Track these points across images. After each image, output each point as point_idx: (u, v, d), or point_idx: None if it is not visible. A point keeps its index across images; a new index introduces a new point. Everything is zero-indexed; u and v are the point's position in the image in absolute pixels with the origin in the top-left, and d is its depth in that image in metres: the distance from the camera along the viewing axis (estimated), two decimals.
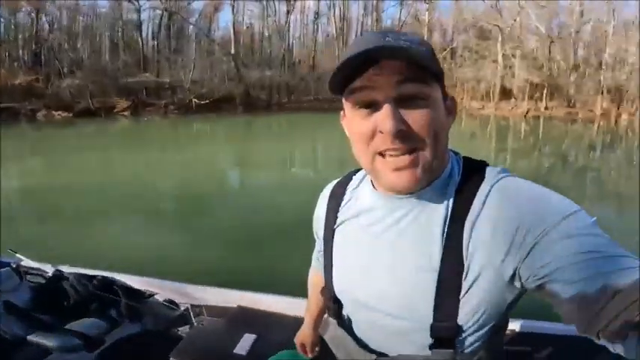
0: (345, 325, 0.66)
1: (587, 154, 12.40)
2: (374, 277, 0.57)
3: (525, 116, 23.70)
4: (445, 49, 25.46)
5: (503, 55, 24.50)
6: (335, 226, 0.64)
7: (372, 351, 0.60)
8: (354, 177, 0.67)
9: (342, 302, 0.65)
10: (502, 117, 22.94)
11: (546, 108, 25.31)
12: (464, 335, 0.53)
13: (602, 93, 25.59)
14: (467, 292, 0.51)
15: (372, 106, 0.49)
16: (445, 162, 0.55)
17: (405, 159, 0.49)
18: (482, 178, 0.53)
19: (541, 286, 0.46)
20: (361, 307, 0.60)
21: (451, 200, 0.53)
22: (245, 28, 29.45)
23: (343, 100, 0.53)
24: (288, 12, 27.41)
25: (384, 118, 0.48)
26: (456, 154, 0.59)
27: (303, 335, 0.89)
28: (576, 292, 0.41)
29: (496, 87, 24.51)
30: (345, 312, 0.66)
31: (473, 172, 0.54)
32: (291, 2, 27.65)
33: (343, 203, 0.64)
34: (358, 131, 0.51)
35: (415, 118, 0.48)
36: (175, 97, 24.00)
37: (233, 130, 17.71)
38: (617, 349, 0.38)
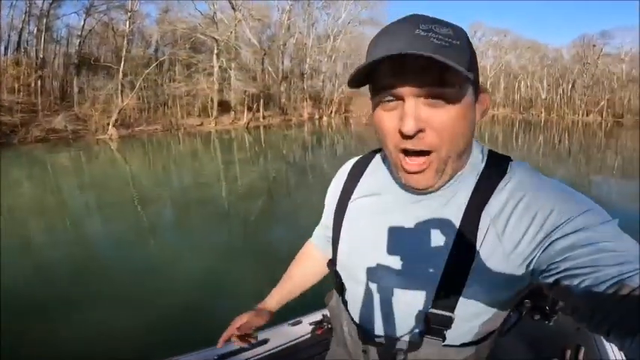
0: (344, 299, 0.66)
1: (303, 154, 14.49)
2: (379, 256, 0.57)
3: (247, 127, 24.52)
4: (149, 62, 22.63)
5: (220, 67, 24.17)
6: (350, 200, 0.64)
7: (364, 329, 0.61)
8: (377, 155, 0.66)
9: (343, 276, 0.65)
10: (224, 131, 22.77)
11: (264, 117, 27.15)
12: (456, 328, 0.53)
13: (306, 99, 29.78)
14: (472, 279, 0.51)
15: (398, 102, 0.49)
16: (467, 157, 0.54)
17: (420, 163, 0.50)
18: (504, 171, 0.54)
19: (556, 281, 0.44)
20: (361, 283, 0.60)
21: (470, 191, 0.53)
22: None
23: (370, 90, 0.52)
24: None
25: (404, 117, 0.48)
26: (482, 146, 0.59)
27: (248, 314, 0.80)
28: (589, 289, 0.41)
29: (214, 101, 23.96)
30: (345, 286, 0.65)
31: (495, 165, 0.55)
32: None
33: (362, 179, 0.65)
34: (383, 125, 0.51)
35: (437, 119, 0.48)
36: None
37: None
38: (627, 347, 0.37)
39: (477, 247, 0.50)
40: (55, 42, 20.36)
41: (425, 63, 0.44)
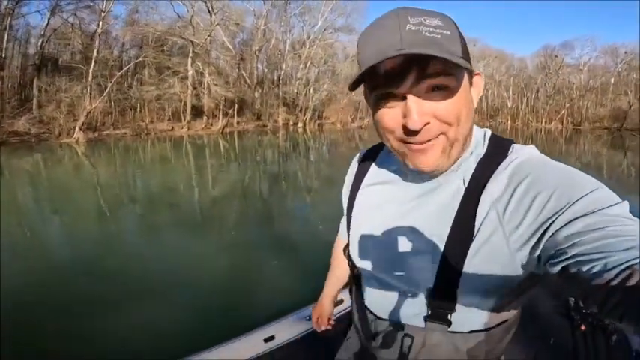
0: (357, 285, 0.68)
1: (278, 159, 14.55)
2: (384, 242, 0.58)
3: (222, 132, 24.21)
4: (117, 64, 21.97)
5: (196, 71, 23.78)
6: (359, 190, 0.66)
7: (373, 314, 0.63)
8: (385, 147, 0.67)
9: (356, 262, 0.66)
10: (197, 136, 22.38)
11: (238, 123, 26.90)
12: (461, 313, 0.53)
13: (281, 105, 29.76)
14: (471, 262, 0.51)
15: (397, 98, 0.50)
16: (469, 141, 0.55)
17: (428, 145, 0.50)
18: (505, 153, 0.54)
19: (564, 267, 0.43)
20: (370, 268, 0.62)
21: (471, 174, 0.54)
22: None
23: (366, 88, 0.53)
24: None
25: (409, 114, 0.48)
26: (485, 130, 0.59)
27: (320, 308, 0.92)
28: (599, 275, 0.39)
29: (187, 106, 23.50)
30: (358, 273, 0.67)
31: (497, 148, 0.55)
32: None
33: (371, 169, 0.66)
34: (382, 121, 0.52)
35: (439, 108, 0.49)
36: None
37: None
38: (636, 332, 0.37)
39: (477, 229, 0.50)
40: (15, 41, 19.42)
41: (422, 58, 0.46)
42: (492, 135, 0.58)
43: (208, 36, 24.54)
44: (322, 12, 32.51)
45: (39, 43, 19.26)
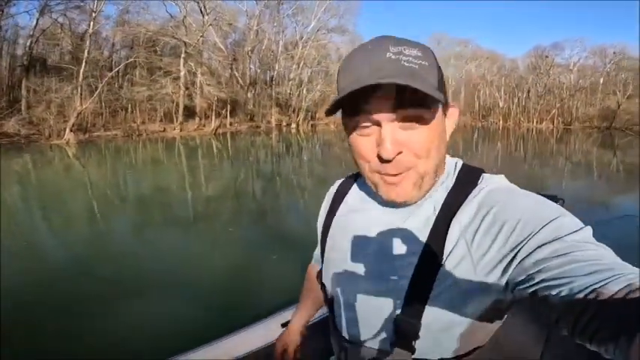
0: (331, 310, 0.69)
1: (271, 160, 14.54)
2: (354, 268, 0.60)
3: (215, 133, 24.07)
4: (107, 64, 21.72)
5: (188, 72, 23.62)
6: (334, 220, 0.67)
7: (343, 338, 0.64)
8: (360, 177, 0.68)
9: (327, 288, 0.68)
10: (189, 137, 22.22)
11: (231, 124, 26.78)
12: (428, 340, 0.53)
13: (274, 106, 29.70)
14: (439, 288, 0.51)
15: (372, 127, 0.51)
16: (441, 171, 0.56)
17: (400, 177, 0.52)
18: (474, 182, 0.55)
19: (533, 292, 0.44)
20: (340, 293, 0.63)
21: (441, 203, 0.55)
22: None
23: (343, 114, 0.54)
24: None
25: (383, 142, 0.50)
26: (456, 160, 0.61)
27: (288, 336, 0.88)
28: (566, 299, 0.40)
29: (180, 106, 23.32)
30: (331, 298, 0.68)
31: (466, 177, 0.56)
32: None
33: (346, 199, 0.68)
34: (357, 148, 0.54)
35: (411, 139, 0.50)
36: None
37: None
38: (610, 354, 0.37)
39: (445, 256, 0.51)
40: (3, 42, 19.14)
41: (399, 88, 0.47)
42: (463, 164, 0.60)
43: (201, 36, 24.40)
44: (315, 13, 32.54)
45: (27, 44, 19.01)
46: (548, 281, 0.42)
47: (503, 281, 0.48)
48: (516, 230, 0.47)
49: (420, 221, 0.56)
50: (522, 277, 0.45)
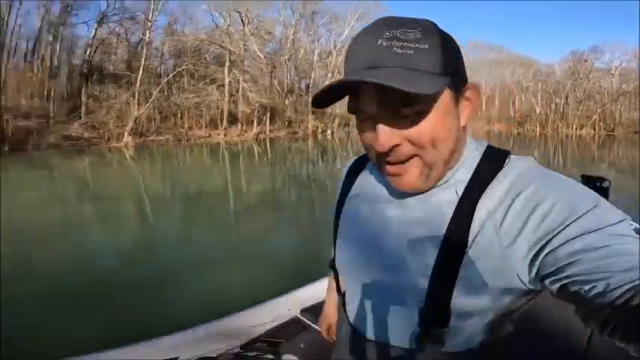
0: (343, 300, 0.64)
1: (307, 166, 14.79)
2: (371, 258, 0.56)
3: (256, 139, 24.48)
4: (161, 72, 22.62)
5: (233, 79, 24.33)
6: (347, 198, 0.64)
7: (359, 332, 0.59)
8: None
9: (341, 278, 0.65)
10: (232, 142, 22.68)
11: (270, 130, 27.21)
12: (455, 332, 0.50)
13: (308, 113, 30.02)
14: (466, 276, 0.48)
15: (368, 119, 0.49)
16: (458, 157, 0.52)
17: (403, 167, 0.49)
18: (501, 165, 0.51)
19: (563, 286, 0.42)
20: (355, 285, 0.59)
21: (464, 186, 0.51)
22: None
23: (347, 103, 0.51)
24: None
25: (377, 136, 0.48)
26: (480, 142, 0.56)
27: (328, 317, 0.87)
28: (600, 296, 0.39)
29: (224, 113, 23.94)
30: (345, 287, 0.64)
31: (491, 159, 0.52)
32: None
33: (360, 178, 0.64)
34: (362, 139, 0.52)
35: (412, 132, 0.47)
36: None
37: None
38: (638, 353, 0.37)
39: (471, 241, 0.47)
40: (66, 51, 20.25)
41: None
42: (488, 146, 0.55)
43: (243, 45, 25.08)
44: (348, 21, 32.94)
45: (87, 53, 20.00)
46: (581, 275, 0.40)
47: (534, 271, 0.45)
48: (549, 217, 0.43)
49: (440, 205, 0.51)
50: (553, 269, 0.42)
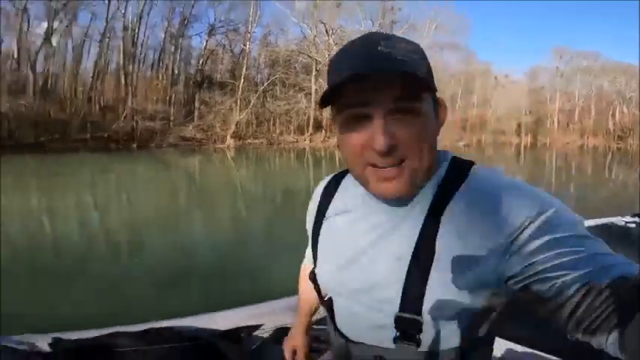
0: (329, 310, 0.68)
1: None
2: (352, 270, 0.59)
3: (338, 146, 24.99)
4: (261, 83, 24.38)
5: (320, 87, 25.39)
6: (324, 219, 0.66)
7: (345, 337, 0.62)
8: (348, 174, 0.67)
9: (323, 289, 0.68)
10: (316, 148, 23.46)
11: None
12: (430, 333, 0.53)
13: None
14: (434, 282, 0.51)
15: (364, 120, 0.49)
16: (434, 166, 0.55)
17: (393, 171, 0.50)
18: (464, 175, 0.54)
19: (525, 286, 0.46)
20: (337, 294, 0.63)
21: (431, 197, 0.54)
22: None
23: (333, 110, 0.53)
24: (49, 30, 20.18)
25: (375, 134, 0.48)
26: (446, 153, 0.59)
27: (292, 339, 0.88)
28: (559, 293, 0.42)
29: (310, 120, 24.96)
30: (329, 298, 0.68)
31: (457, 170, 0.55)
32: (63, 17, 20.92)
33: (335, 197, 0.66)
34: (350, 143, 0.51)
35: (405, 132, 0.49)
36: None
37: None
38: (602, 345, 0.40)
39: (438, 251, 0.50)
40: (184, 61, 22.82)
41: (391, 79, 0.46)
42: (453, 157, 0.58)
43: (328, 55, 26.02)
44: (427, 30, 32.59)
45: (199, 62, 22.25)
46: (540, 274, 0.43)
47: (497, 274, 0.48)
48: (508, 223, 0.46)
49: (413, 217, 0.53)
50: (515, 271, 0.46)
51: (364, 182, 0.54)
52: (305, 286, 0.84)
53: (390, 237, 0.54)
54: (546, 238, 0.44)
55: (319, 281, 0.67)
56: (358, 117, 0.49)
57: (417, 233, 0.52)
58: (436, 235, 0.50)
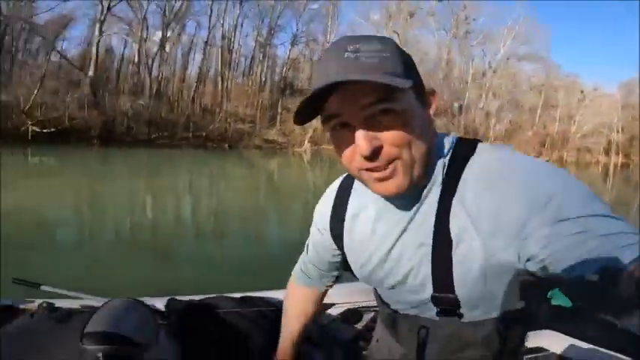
0: (381, 300, 0.72)
1: None
2: (385, 268, 0.62)
3: None
4: None
5: None
6: (345, 218, 0.67)
7: (396, 312, 0.68)
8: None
9: (370, 284, 0.70)
10: None
11: None
12: (467, 307, 0.56)
13: (463, 134, 29.33)
14: (459, 263, 0.53)
15: (347, 127, 0.50)
16: (433, 154, 0.55)
17: (385, 171, 0.51)
18: (471, 155, 0.54)
19: (543, 268, 0.45)
20: (379, 285, 0.67)
21: (441, 181, 0.55)
22: (104, 49, 24.16)
23: (321, 120, 0.53)
24: (163, 38, 23.42)
25: (357, 141, 0.49)
26: (452, 137, 0.59)
27: (281, 354, 0.86)
28: (577, 275, 0.41)
29: None
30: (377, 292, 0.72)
31: (461, 151, 0.55)
32: (171, 27, 24.05)
33: (351, 196, 0.67)
34: (340, 151, 0.53)
35: (388, 132, 0.49)
36: (9, 122, 17.74)
37: (84, 166, 13.23)
38: (624, 324, 0.39)
39: (454, 234, 0.52)
40: (270, 69, 24.86)
41: (362, 85, 0.46)
42: (458, 138, 0.58)
43: None
44: (504, 40, 31.25)
45: (283, 70, 24.04)
46: (559, 255, 0.43)
47: (515, 254, 0.48)
48: (521, 205, 0.46)
49: (427, 204, 0.55)
50: (534, 252, 0.45)
51: (365, 182, 0.55)
52: (291, 302, 0.86)
53: (410, 228, 0.57)
54: (559, 219, 0.43)
55: (359, 277, 0.69)
56: (342, 125, 0.50)
57: (432, 220, 0.53)
58: (449, 220, 0.52)
